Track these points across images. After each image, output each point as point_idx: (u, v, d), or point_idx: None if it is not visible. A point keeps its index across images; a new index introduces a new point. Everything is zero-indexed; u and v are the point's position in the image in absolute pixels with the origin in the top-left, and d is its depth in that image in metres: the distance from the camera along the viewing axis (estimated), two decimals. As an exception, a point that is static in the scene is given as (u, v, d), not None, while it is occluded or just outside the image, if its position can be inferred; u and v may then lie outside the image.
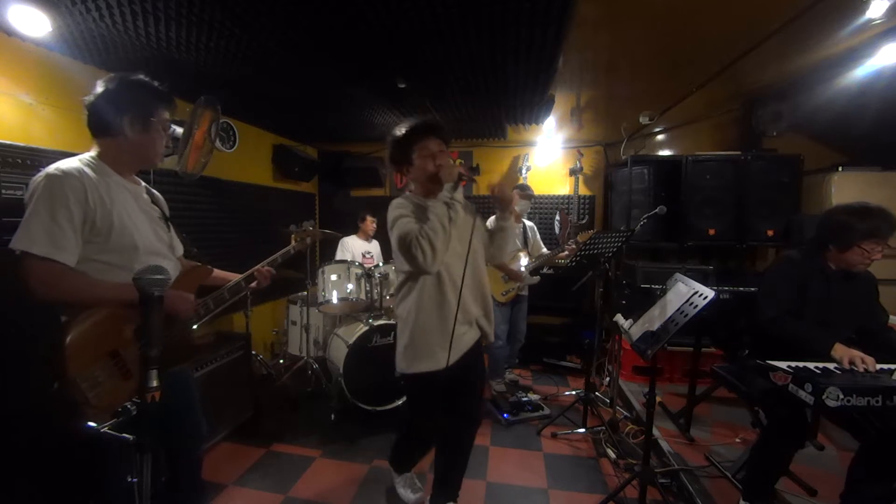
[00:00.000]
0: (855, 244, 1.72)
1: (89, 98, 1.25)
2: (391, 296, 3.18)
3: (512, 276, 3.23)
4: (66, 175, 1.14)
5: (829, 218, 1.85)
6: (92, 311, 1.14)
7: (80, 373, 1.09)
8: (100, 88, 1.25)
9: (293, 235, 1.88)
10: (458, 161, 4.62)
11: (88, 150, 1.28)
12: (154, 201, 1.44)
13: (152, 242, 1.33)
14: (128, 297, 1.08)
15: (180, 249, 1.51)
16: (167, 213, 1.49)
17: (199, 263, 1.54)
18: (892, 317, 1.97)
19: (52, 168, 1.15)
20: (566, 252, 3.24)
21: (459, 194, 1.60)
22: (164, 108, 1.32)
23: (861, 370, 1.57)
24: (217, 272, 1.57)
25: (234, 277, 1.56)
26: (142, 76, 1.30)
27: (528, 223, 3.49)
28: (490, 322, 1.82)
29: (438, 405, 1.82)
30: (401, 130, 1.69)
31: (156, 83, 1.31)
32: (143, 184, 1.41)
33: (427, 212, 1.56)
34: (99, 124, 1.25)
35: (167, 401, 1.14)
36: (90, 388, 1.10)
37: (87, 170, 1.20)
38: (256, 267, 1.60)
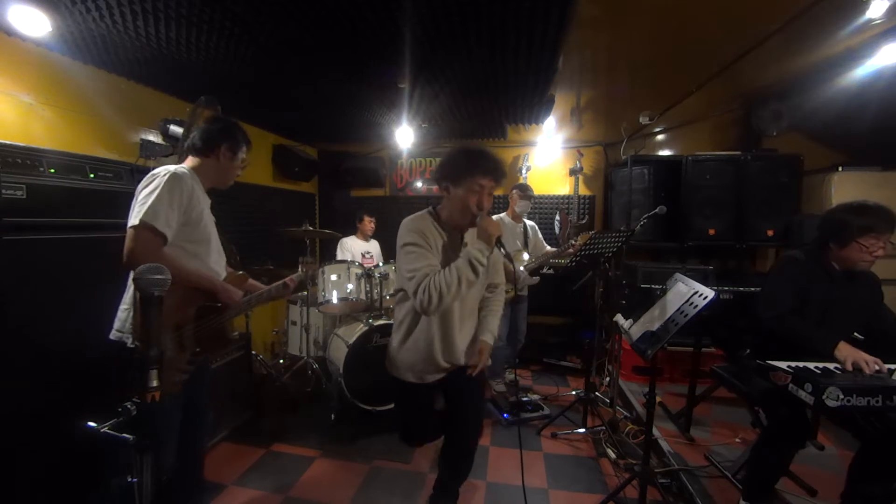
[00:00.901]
0: (853, 240, 1.73)
1: (202, 126, 1.63)
2: (391, 296, 3.18)
3: (507, 278, 3.23)
4: (184, 175, 1.47)
5: (828, 216, 1.87)
6: (173, 287, 1.23)
7: (160, 336, 1.25)
8: (209, 121, 1.66)
9: (300, 265, 2.06)
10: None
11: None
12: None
13: (217, 242, 1.65)
14: (201, 282, 1.49)
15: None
16: None
17: (239, 272, 1.76)
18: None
19: (173, 168, 1.46)
20: (570, 250, 3.22)
21: (483, 256, 1.51)
22: (246, 148, 1.68)
23: (868, 372, 1.56)
24: (251, 281, 1.80)
25: (261, 287, 1.79)
26: (235, 120, 1.69)
27: (529, 223, 3.48)
28: (475, 349, 1.76)
29: (420, 410, 1.84)
30: (464, 153, 1.59)
31: (244, 130, 1.69)
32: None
33: (444, 249, 1.59)
34: (202, 146, 1.59)
35: (188, 384, 1.47)
36: (166, 348, 1.33)
37: (190, 176, 1.50)
38: (286, 280, 1.82)
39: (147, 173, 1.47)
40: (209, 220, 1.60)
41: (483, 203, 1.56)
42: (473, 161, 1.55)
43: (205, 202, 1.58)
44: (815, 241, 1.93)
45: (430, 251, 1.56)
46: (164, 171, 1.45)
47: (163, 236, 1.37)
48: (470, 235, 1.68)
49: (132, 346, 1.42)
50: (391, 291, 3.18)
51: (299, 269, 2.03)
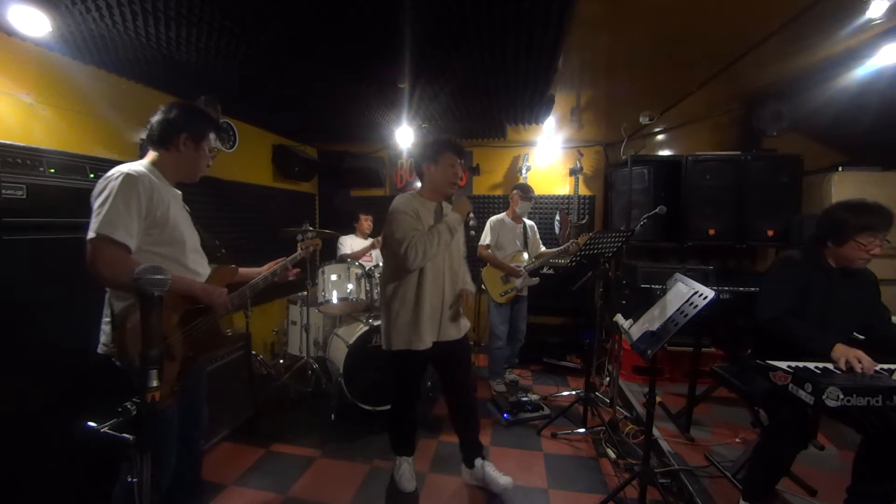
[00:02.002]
0: (850, 238, 1.74)
1: (155, 116, 1.47)
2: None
3: (511, 272, 3.24)
4: (140, 175, 1.34)
5: (826, 214, 1.87)
6: None
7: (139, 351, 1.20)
8: (164, 109, 1.48)
9: (299, 244, 2.07)
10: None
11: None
12: (184, 207, 1.60)
13: (194, 240, 1.54)
14: (178, 287, 1.36)
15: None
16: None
17: (227, 264, 1.69)
18: (894, 316, 1.96)
19: (126, 168, 1.34)
20: (572, 248, 3.22)
21: (460, 224, 2.01)
22: (213, 133, 1.55)
23: (858, 370, 1.57)
24: (241, 270, 1.72)
25: (256, 273, 1.74)
26: (200, 106, 1.53)
27: (529, 222, 3.49)
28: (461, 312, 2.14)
29: (419, 379, 2.18)
30: (436, 139, 2.05)
31: (209, 112, 1.55)
32: (180, 192, 1.58)
33: (431, 225, 1.96)
34: (160, 137, 1.46)
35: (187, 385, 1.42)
36: None
37: (149, 174, 1.39)
38: (280, 262, 1.81)
39: None
40: (179, 217, 1.47)
41: (458, 175, 2.03)
42: (444, 143, 2.02)
43: (171, 198, 1.45)
44: (812, 239, 1.94)
45: (417, 220, 1.95)
46: (116, 173, 1.32)
47: (124, 246, 1.27)
48: (447, 208, 2.07)
49: (118, 363, 1.34)
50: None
51: (298, 249, 2.02)
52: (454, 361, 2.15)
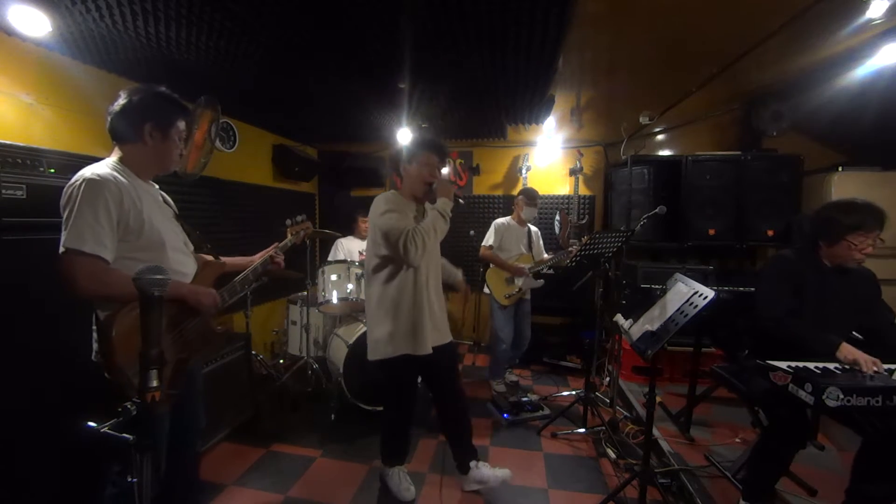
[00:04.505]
0: (842, 238, 1.76)
1: (113, 107, 1.33)
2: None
3: (516, 272, 3.24)
4: (103, 180, 1.22)
5: (818, 214, 1.89)
6: (132, 305, 1.18)
7: (127, 362, 1.16)
8: (123, 98, 1.33)
9: (288, 230, 1.96)
10: (458, 161, 4.63)
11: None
12: (165, 202, 1.52)
13: (175, 240, 1.43)
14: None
15: (191, 246, 1.57)
16: (176, 212, 1.55)
17: (212, 258, 1.61)
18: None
19: (88, 173, 1.22)
20: (571, 251, 3.20)
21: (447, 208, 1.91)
22: (181, 118, 1.41)
23: (866, 371, 1.57)
24: (228, 261, 1.65)
25: (246, 261, 1.66)
26: (162, 88, 1.39)
27: (534, 228, 3.50)
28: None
29: (416, 386, 2.13)
30: (410, 140, 2.01)
31: (175, 95, 1.40)
32: (157, 186, 1.49)
33: (421, 215, 1.89)
34: (122, 131, 1.33)
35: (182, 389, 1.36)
36: (135, 375, 1.15)
37: (117, 174, 1.28)
38: (269, 251, 1.73)
39: None
40: (156, 217, 1.36)
41: (434, 174, 1.96)
42: (423, 142, 1.99)
43: (145, 198, 1.34)
44: (805, 239, 1.97)
45: (406, 215, 1.89)
46: (78, 179, 1.21)
47: (97, 258, 1.19)
48: (429, 207, 2.01)
49: (107, 377, 1.25)
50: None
51: (287, 235, 1.92)
52: (446, 366, 2.10)
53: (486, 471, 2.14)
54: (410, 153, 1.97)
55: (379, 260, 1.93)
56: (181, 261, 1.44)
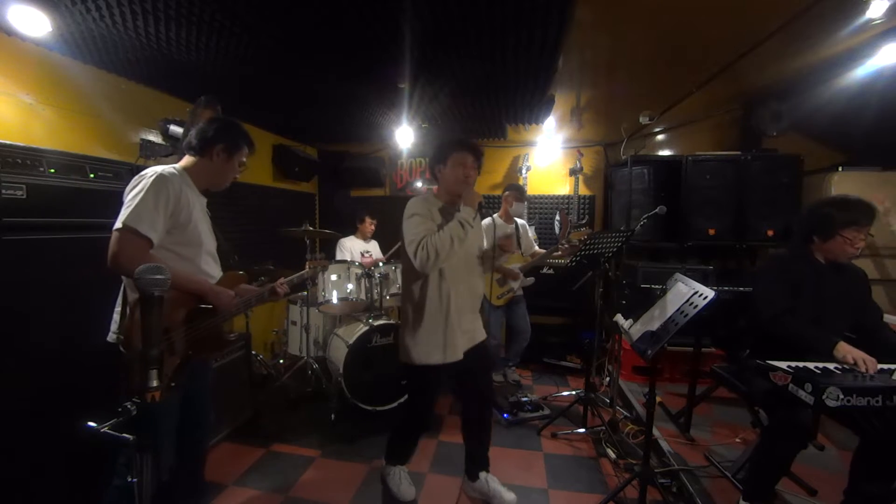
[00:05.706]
0: (836, 233, 1.79)
1: (197, 124, 1.57)
2: (391, 296, 3.18)
3: (509, 275, 3.22)
4: (171, 176, 1.43)
5: (811, 211, 1.92)
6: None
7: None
8: (208, 120, 1.59)
9: (308, 262, 2.12)
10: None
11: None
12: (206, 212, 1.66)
13: (210, 244, 1.60)
14: (189, 285, 1.43)
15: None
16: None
17: (238, 271, 1.73)
18: (886, 315, 1.97)
19: (160, 169, 1.43)
20: (559, 252, 3.16)
21: (475, 218, 1.83)
22: (246, 149, 1.62)
23: (863, 370, 1.58)
24: (242, 287, 1.72)
25: (251, 291, 1.72)
26: (239, 122, 1.62)
27: (521, 221, 3.46)
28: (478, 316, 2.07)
29: (436, 393, 2.05)
30: (448, 139, 1.95)
31: (246, 131, 1.63)
32: (205, 199, 1.64)
33: (443, 223, 1.81)
34: (197, 144, 1.54)
35: (189, 384, 1.47)
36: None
37: (181, 177, 1.47)
38: (279, 282, 1.78)
39: None
40: (201, 222, 1.54)
41: (469, 175, 1.87)
42: (455, 142, 1.91)
43: (197, 203, 1.53)
44: (798, 236, 1.98)
45: (431, 221, 1.84)
46: (151, 172, 1.41)
47: (147, 240, 1.33)
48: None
49: (122, 350, 1.36)
50: (392, 291, 3.18)
51: (307, 267, 2.07)
52: (480, 367, 2.04)
53: (494, 486, 2.10)
54: (443, 153, 1.91)
55: (409, 262, 1.88)
56: (210, 264, 1.59)
